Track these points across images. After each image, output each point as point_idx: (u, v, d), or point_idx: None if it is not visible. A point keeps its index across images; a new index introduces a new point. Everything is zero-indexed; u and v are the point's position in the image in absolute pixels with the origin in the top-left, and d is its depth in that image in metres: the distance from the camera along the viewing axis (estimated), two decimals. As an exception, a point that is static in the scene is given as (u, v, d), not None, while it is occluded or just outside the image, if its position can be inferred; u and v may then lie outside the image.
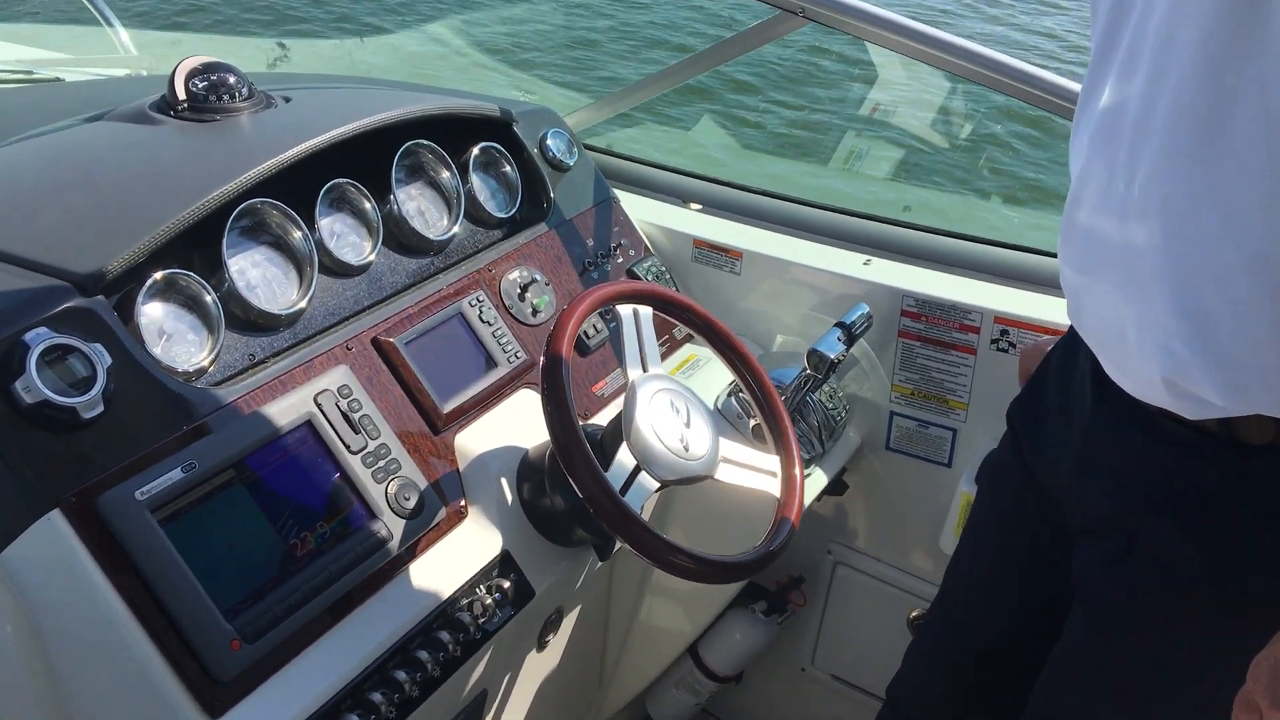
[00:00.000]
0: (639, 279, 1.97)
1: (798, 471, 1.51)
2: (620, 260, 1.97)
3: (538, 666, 1.77)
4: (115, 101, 1.79)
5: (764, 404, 1.58)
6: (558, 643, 1.80)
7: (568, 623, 1.79)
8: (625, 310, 1.50)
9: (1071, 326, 1.31)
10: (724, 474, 1.47)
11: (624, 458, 1.38)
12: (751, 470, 1.50)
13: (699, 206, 2.24)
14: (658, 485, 1.40)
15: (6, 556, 1.16)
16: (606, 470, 1.36)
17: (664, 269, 2.03)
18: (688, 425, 1.43)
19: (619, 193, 2.23)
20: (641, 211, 2.15)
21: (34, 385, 1.14)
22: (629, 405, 1.40)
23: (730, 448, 1.50)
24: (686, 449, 1.41)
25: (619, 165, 2.31)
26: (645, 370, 1.48)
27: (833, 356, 1.75)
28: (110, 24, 2.87)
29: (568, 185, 1.96)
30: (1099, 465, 1.18)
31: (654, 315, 1.55)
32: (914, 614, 2.10)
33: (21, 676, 1.18)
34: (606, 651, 2.05)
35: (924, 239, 1.98)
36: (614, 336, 1.87)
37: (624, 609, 1.98)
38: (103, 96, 2.00)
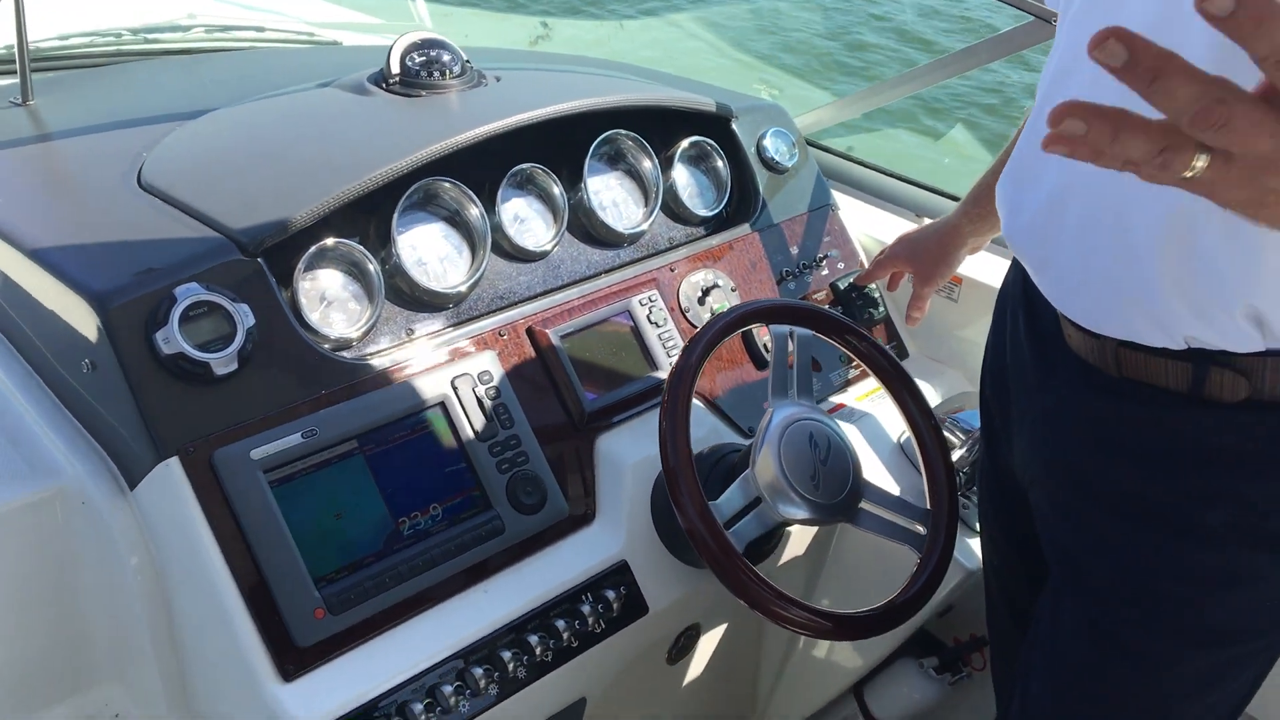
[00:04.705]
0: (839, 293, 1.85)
1: (946, 534, 1.36)
2: (825, 272, 1.86)
3: (671, 682, 1.72)
4: (370, 69, 1.87)
5: (930, 452, 1.43)
6: (696, 661, 1.74)
7: (707, 642, 1.72)
8: (780, 329, 1.40)
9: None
10: (864, 522, 1.35)
11: (744, 487, 1.30)
12: (894, 523, 1.36)
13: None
14: (776, 521, 1.30)
15: (138, 493, 1.24)
16: (718, 497, 1.28)
17: (874, 286, 1.90)
18: (824, 462, 1.32)
19: (848, 200, 2.11)
20: (867, 223, 2.02)
21: (173, 337, 1.20)
22: (760, 432, 1.31)
23: (877, 493, 1.37)
24: (817, 487, 1.31)
25: (856, 171, 2.18)
26: (790, 397, 1.38)
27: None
28: (411, -7, 3.01)
29: (782, 188, 1.87)
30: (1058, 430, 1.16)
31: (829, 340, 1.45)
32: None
33: (137, 608, 1.26)
34: (760, 677, 1.97)
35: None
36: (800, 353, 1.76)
37: (779, 635, 1.89)
38: (360, 63, 2.11)
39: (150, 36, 2.30)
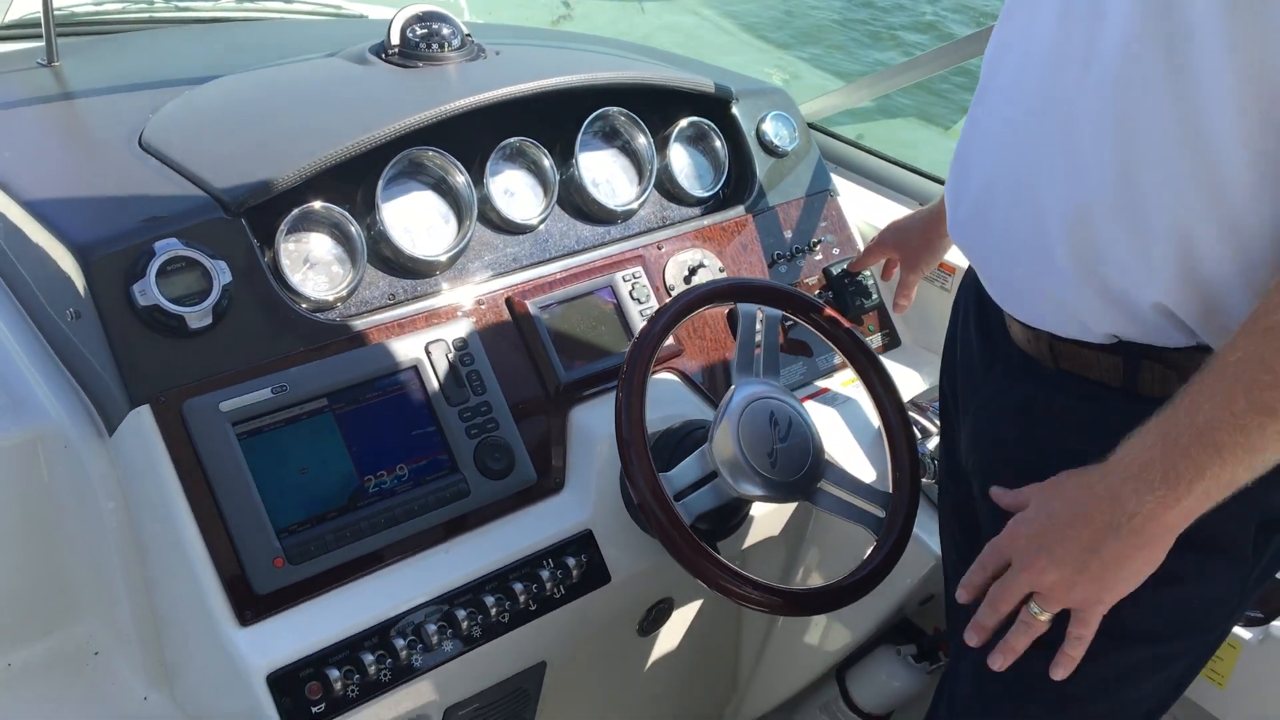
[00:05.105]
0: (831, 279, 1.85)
1: (905, 517, 1.37)
2: (819, 257, 1.86)
3: (642, 654, 1.74)
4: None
5: (895, 434, 1.44)
6: (670, 635, 1.76)
7: (682, 617, 1.74)
8: (747, 308, 1.41)
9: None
10: (822, 502, 1.36)
11: (700, 461, 1.31)
12: (853, 505, 1.37)
13: (933, 212, 2.07)
14: (731, 497, 1.32)
15: (115, 439, 1.29)
16: (671, 469, 1.30)
17: (868, 274, 1.89)
18: (783, 440, 1.33)
19: (853, 187, 2.11)
20: (870, 211, 2.01)
21: (149, 290, 1.25)
22: (720, 409, 1.33)
23: (839, 475, 1.38)
24: (774, 465, 1.32)
25: (863, 159, 2.18)
26: (756, 375, 1.39)
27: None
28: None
29: (780, 171, 1.87)
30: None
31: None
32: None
33: (113, 550, 1.32)
34: (741, 655, 1.98)
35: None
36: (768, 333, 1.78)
37: (758, 614, 1.90)
38: (378, 36, 2.15)
39: (181, 5, 2.37)
